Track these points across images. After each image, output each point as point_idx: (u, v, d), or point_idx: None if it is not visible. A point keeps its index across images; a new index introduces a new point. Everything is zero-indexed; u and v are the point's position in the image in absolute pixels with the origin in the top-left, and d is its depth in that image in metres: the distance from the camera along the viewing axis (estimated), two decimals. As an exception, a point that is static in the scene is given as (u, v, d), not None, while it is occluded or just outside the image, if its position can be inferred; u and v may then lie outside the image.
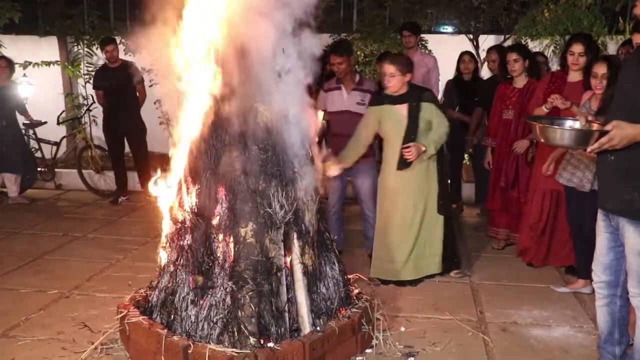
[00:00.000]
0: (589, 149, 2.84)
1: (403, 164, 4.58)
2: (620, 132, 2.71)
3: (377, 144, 6.43)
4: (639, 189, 2.80)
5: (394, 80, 4.55)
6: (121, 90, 7.26)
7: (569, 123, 3.23)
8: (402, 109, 4.59)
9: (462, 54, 6.94)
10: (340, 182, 5.33)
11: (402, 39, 7.26)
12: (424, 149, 4.51)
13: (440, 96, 7.11)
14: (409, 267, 4.71)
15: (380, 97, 4.78)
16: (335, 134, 5.29)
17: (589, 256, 4.40)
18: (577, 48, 4.67)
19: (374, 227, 5.37)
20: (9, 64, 7.29)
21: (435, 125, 4.58)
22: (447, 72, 7.33)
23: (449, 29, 9.78)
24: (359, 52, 8.61)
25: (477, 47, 8.65)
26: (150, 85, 7.69)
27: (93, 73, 8.94)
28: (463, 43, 8.56)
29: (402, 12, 8.85)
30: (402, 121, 4.57)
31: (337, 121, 5.22)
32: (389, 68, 4.56)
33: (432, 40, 9.16)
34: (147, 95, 7.49)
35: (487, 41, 8.76)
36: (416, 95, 4.61)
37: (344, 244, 5.53)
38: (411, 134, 4.54)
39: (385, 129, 4.67)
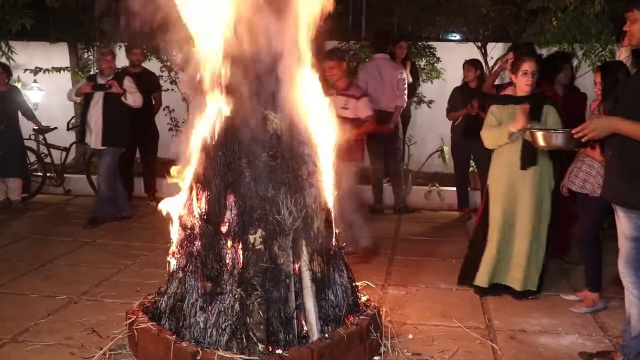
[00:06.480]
0: (573, 131, 3.26)
1: (527, 161, 4.41)
2: (596, 120, 3.27)
3: None
4: (628, 181, 3.15)
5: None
6: None
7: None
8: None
9: (464, 62, 6.98)
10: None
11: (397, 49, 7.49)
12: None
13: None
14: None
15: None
16: None
17: (600, 266, 4.47)
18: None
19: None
20: (5, 69, 7.31)
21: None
22: (455, 79, 7.35)
23: (457, 36, 9.78)
24: (367, 60, 8.64)
25: (485, 54, 8.65)
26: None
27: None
28: (471, 51, 8.57)
29: (411, 20, 8.87)
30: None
31: None
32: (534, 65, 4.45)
33: (440, 48, 9.17)
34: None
35: (495, 49, 8.76)
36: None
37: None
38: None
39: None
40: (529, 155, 4.39)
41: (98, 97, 6.58)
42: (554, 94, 5.22)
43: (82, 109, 6.81)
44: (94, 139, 6.64)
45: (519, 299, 4.56)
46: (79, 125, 8.32)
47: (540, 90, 4.60)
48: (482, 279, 4.64)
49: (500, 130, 4.44)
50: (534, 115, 4.36)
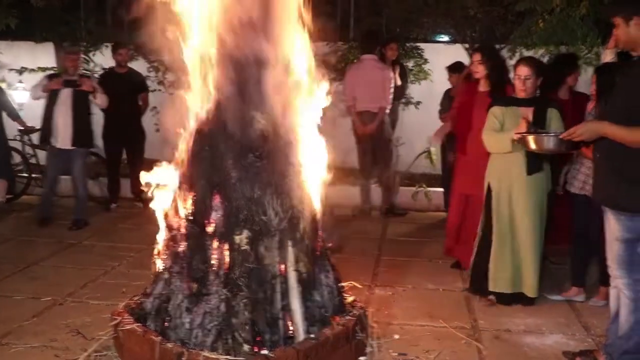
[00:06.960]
0: (562, 135, 3.41)
1: (534, 167, 4.36)
2: (586, 124, 3.37)
3: None
4: (616, 183, 3.21)
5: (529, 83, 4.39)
6: (125, 97, 7.25)
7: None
8: (528, 112, 4.35)
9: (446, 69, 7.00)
10: None
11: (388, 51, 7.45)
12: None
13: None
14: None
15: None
16: None
17: (587, 264, 4.53)
18: (475, 57, 4.99)
19: None
20: None
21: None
22: (443, 81, 7.36)
23: (445, 38, 9.82)
24: (355, 60, 8.66)
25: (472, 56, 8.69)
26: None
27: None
28: (459, 52, 8.60)
29: (399, 21, 8.90)
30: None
31: None
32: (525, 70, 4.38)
33: (427, 49, 9.21)
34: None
35: (483, 50, 8.79)
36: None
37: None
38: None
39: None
40: (535, 161, 4.33)
41: (66, 96, 6.46)
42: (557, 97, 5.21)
43: (46, 108, 6.58)
44: (62, 139, 6.48)
45: (527, 305, 4.51)
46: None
47: (543, 94, 4.56)
48: (502, 284, 4.53)
49: (502, 138, 4.34)
50: (538, 119, 4.30)
